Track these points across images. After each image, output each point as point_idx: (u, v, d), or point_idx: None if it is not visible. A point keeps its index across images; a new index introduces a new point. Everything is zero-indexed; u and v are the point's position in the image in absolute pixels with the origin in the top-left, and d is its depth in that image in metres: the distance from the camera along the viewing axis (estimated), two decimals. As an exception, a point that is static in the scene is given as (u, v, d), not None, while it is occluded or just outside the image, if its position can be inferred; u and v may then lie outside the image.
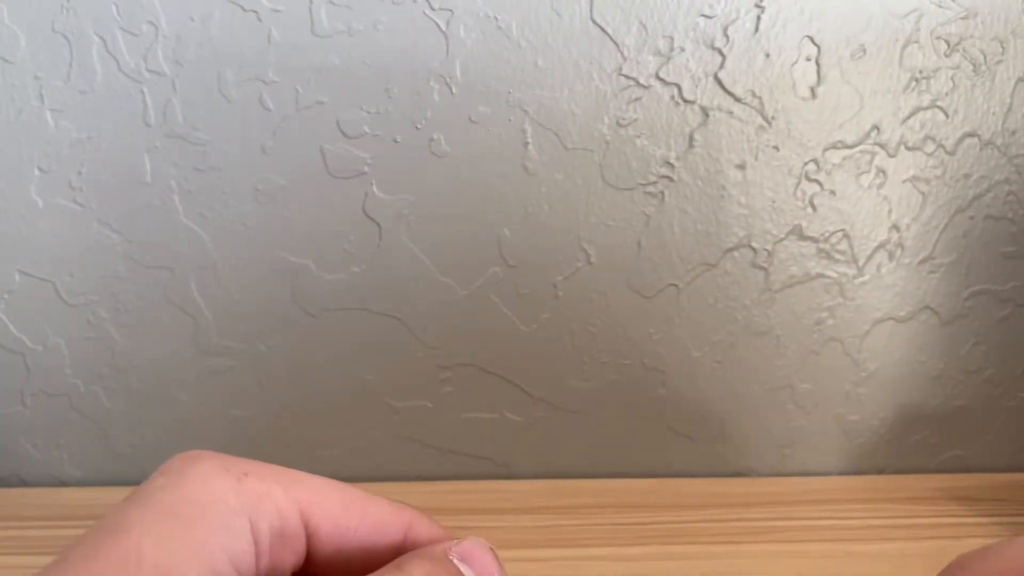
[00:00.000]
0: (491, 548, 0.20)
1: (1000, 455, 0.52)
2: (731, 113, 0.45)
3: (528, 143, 0.45)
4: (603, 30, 0.43)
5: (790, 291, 0.48)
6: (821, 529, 0.44)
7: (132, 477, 0.50)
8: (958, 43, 0.44)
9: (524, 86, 0.44)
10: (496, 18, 0.43)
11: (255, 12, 0.43)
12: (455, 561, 0.19)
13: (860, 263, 0.47)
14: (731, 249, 0.47)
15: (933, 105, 0.45)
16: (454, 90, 0.44)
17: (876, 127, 0.45)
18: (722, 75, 0.44)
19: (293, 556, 0.19)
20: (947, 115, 0.45)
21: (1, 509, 0.46)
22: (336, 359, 0.48)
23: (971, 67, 0.45)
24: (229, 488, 0.18)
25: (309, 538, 0.19)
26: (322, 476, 0.20)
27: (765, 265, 0.47)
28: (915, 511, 0.46)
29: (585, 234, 0.46)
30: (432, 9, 0.43)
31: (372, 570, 0.20)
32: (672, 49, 0.44)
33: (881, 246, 0.47)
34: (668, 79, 0.44)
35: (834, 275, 0.48)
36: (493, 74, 0.44)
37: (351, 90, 0.44)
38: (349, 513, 0.20)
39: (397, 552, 0.20)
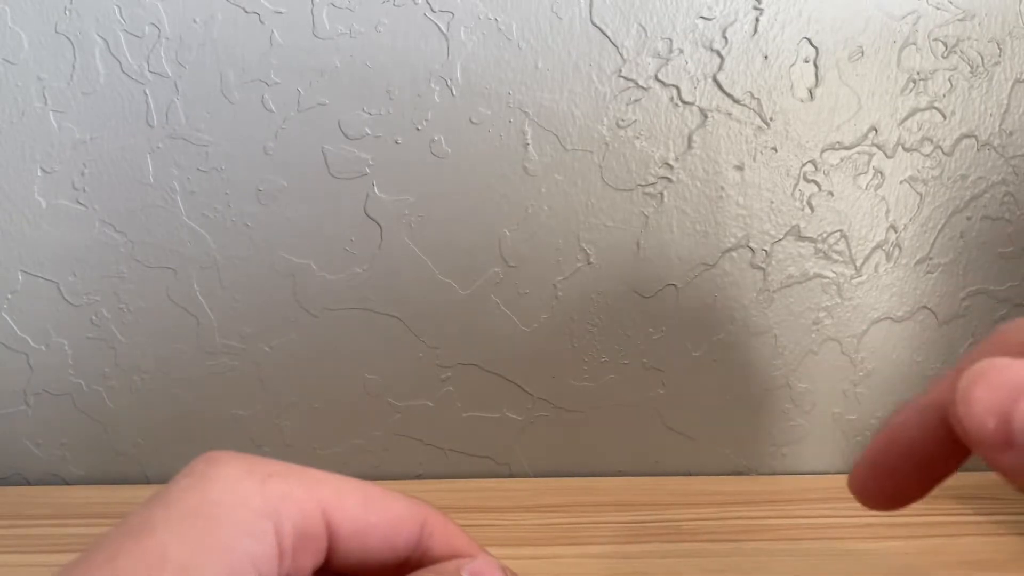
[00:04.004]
0: (502, 568, 0.20)
1: (997, 454, 0.52)
2: (730, 114, 0.45)
3: (528, 144, 0.45)
4: (603, 32, 0.44)
5: (788, 291, 0.48)
6: (819, 527, 0.44)
7: (134, 476, 0.50)
8: (955, 45, 0.45)
9: (524, 88, 0.44)
10: (496, 20, 0.43)
11: (257, 14, 0.43)
12: None
13: (858, 263, 0.48)
14: (729, 249, 0.47)
15: (931, 106, 0.46)
16: (455, 92, 0.44)
17: (874, 128, 0.46)
18: (721, 77, 0.44)
19: (314, 556, 0.19)
20: (944, 116, 0.46)
21: (4, 508, 0.46)
22: (338, 359, 0.48)
23: (968, 68, 0.45)
24: (253, 490, 0.18)
25: (330, 537, 0.19)
26: (343, 475, 0.20)
27: (763, 265, 0.47)
28: (913, 509, 0.46)
29: (585, 234, 0.47)
30: (433, 11, 0.43)
31: (389, 564, 0.20)
32: (671, 51, 0.44)
33: (879, 246, 0.47)
34: (667, 81, 0.44)
35: (832, 275, 0.48)
36: (493, 76, 0.44)
37: (352, 92, 0.44)
38: (369, 511, 0.20)
39: (413, 547, 0.20)
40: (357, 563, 0.20)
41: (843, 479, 0.55)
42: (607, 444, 0.50)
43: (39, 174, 0.45)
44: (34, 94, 0.44)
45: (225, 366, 0.48)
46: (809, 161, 0.46)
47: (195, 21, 0.43)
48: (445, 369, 0.49)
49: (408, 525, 0.20)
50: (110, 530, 0.17)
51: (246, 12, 0.43)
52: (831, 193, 0.46)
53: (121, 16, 0.43)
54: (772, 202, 0.46)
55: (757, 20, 0.44)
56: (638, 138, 0.45)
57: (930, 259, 0.48)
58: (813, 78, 0.45)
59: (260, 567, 0.18)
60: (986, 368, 0.15)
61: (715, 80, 0.44)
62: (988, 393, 0.14)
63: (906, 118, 0.46)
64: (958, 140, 0.46)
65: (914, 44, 0.44)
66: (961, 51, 0.45)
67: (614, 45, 0.44)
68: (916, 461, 0.18)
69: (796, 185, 0.46)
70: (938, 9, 0.44)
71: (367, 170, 0.45)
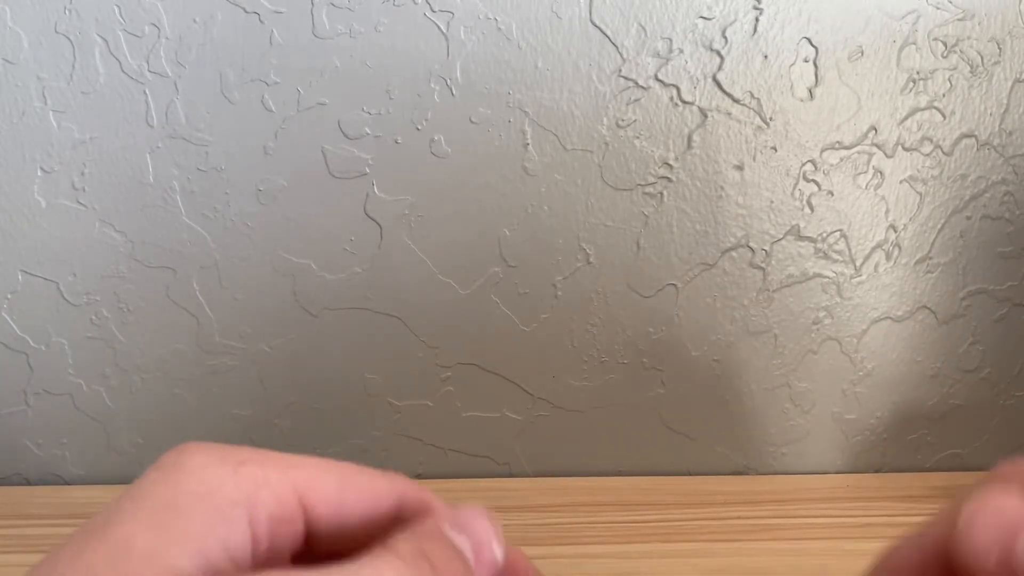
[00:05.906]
0: (488, 514, 0.20)
1: (997, 453, 0.52)
2: (729, 114, 0.45)
3: (528, 144, 0.45)
4: (602, 32, 0.44)
5: (788, 291, 0.48)
6: (819, 527, 0.44)
7: (134, 476, 0.49)
8: (955, 44, 0.45)
9: (524, 87, 0.44)
10: (496, 20, 0.43)
11: (257, 14, 0.43)
12: (448, 531, 0.19)
13: (857, 263, 0.48)
14: (729, 249, 0.47)
15: (930, 106, 0.46)
16: (454, 91, 0.44)
17: (874, 128, 0.46)
18: (720, 76, 0.44)
19: (292, 539, 0.19)
20: (944, 116, 0.46)
21: (4, 507, 0.46)
22: (337, 358, 0.48)
23: (968, 68, 0.45)
24: (226, 478, 0.18)
25: (307, 520, 0.19)
26: (315, 457, 0.20)
27: (763, 265, 0.47)
28: (912, 509, 0.46)
29: (584, 234, 0.47)
30: (433, 11, 0.43)
31: (368, 541, 0.20)
32: (671, 51, 0.44)
33: (878, 246, 0.47)
34: (667, 80, 0.44)
35: (831, 275, 0.48)
36: (493, 76, 0.44)
37: (352, 91, 0.44)
38: (344, 491, 0.19)
39: (392, 521, 0.20)
40: (336, 540, 0.20)
41: (843, 479, 0.55)
42: (607, 444, 0.50)
43: (39, 174, 0.45)
44: (34, 94, 0.44)
45: (225, 366, 0.48)
46: (809, 161, 0.46)
47: (195, 21, 0.43)
48: (445, 369, 0.49)
49: (386, 500, 0.20)
50: (79, 527, 0.17)
51: (246, 12, 0.43)
52: (831, 193, 0.46)
53: (121, 16, 0.43)
54: (772, 202, 0.46)
55: (757, 20, 0.44)
56: (638, 138, 0.45)
57: (930, 259, 0.48)
58: (813, 78, 0.45)
59: (233, 554, 0.17)
60: (985, 504, 0.16)
61: (715, 80, 0.44)
62: (988, 530, 0.15)
63: (906, 118, 0.46)
64: (958, 140, 0.46)
65: (914, 44, 0.44)
66: (961, 51, 0.45)
67: (614, 45, 0.44)
68: None
69: (796, 185, 0.46)
70: (938, 9, 0.44)
71: (367, 170, 0.45)
